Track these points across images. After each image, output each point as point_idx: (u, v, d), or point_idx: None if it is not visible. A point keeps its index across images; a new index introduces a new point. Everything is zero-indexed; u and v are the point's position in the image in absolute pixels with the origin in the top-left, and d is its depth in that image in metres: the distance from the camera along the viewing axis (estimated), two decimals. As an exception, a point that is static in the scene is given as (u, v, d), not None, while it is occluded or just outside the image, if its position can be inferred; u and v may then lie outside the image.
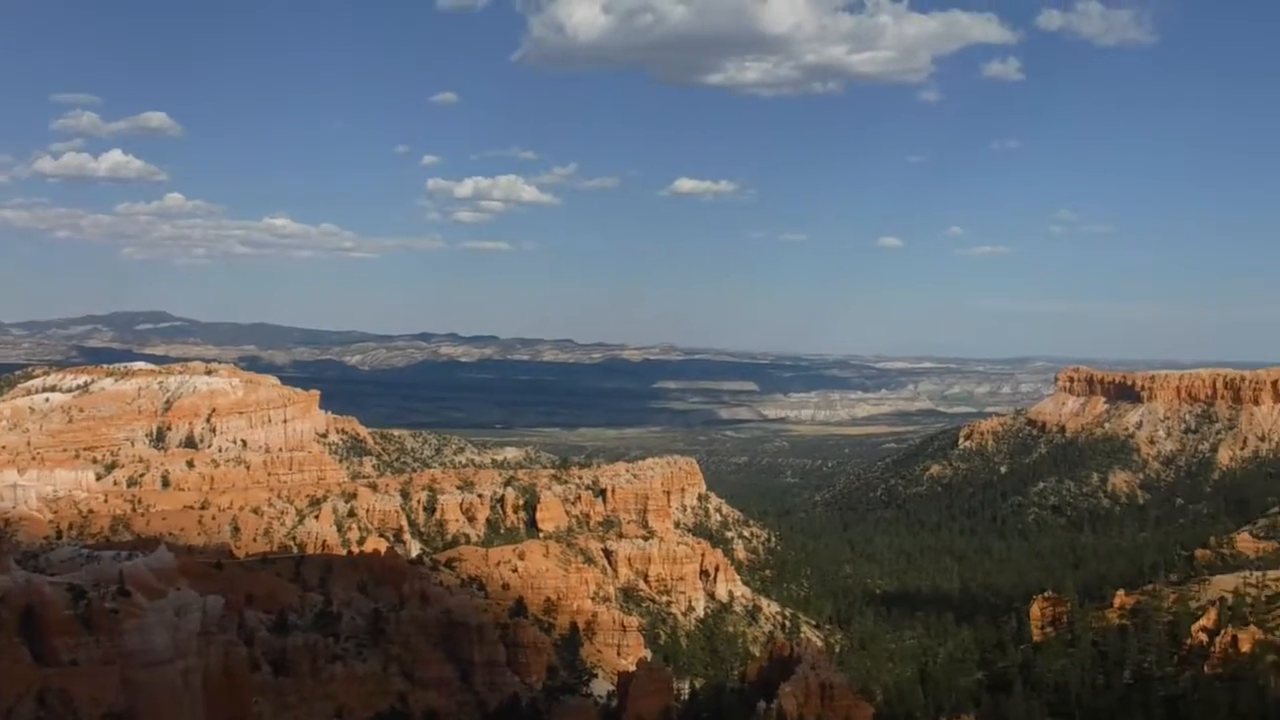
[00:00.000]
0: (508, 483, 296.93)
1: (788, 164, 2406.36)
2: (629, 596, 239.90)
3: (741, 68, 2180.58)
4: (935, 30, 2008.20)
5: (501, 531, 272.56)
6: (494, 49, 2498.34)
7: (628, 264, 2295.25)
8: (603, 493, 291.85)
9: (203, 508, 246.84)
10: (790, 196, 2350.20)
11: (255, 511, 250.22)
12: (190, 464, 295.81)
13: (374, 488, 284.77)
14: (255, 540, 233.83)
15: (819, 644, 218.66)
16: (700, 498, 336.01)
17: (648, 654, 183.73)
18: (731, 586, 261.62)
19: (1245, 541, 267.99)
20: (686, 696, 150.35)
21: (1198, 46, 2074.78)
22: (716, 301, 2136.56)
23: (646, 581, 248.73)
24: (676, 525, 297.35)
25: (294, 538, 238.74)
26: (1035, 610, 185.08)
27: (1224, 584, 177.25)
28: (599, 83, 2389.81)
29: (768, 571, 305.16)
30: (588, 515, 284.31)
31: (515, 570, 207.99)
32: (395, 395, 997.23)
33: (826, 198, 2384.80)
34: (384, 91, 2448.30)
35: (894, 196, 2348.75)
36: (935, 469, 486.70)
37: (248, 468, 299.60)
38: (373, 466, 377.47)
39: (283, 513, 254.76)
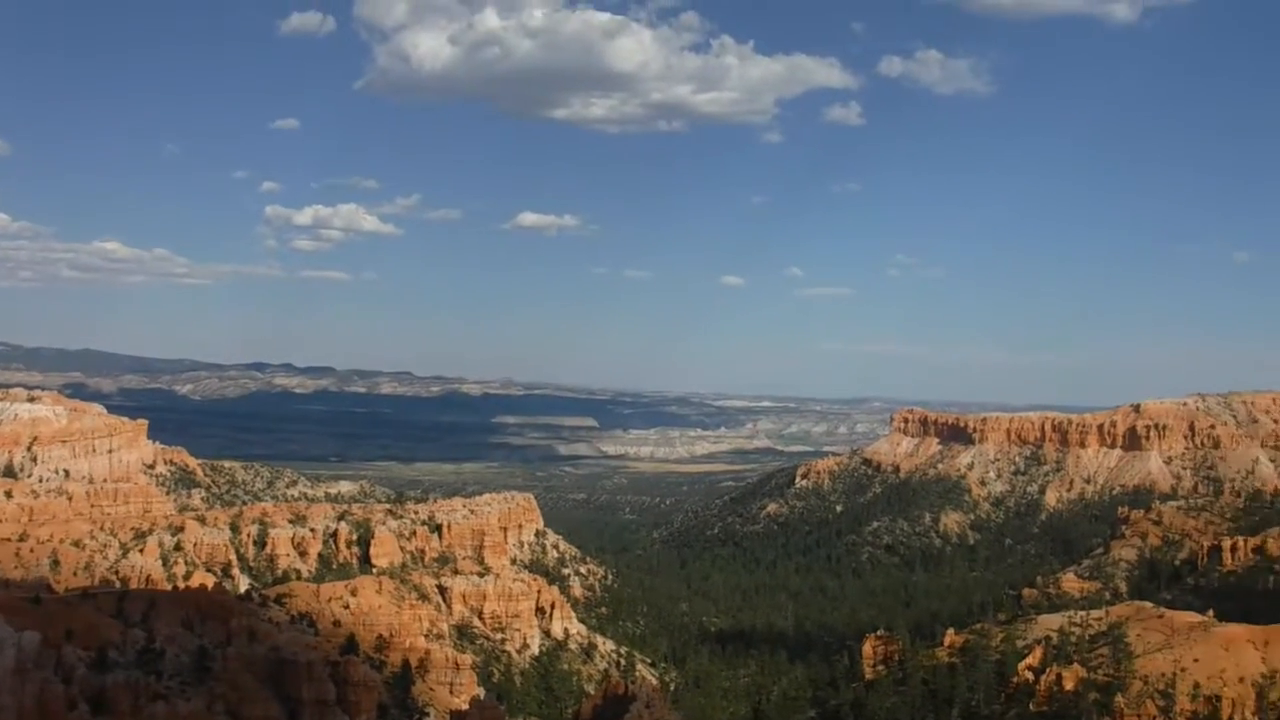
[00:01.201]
0: (341, 517, 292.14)
1: (632, 200, 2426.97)
2: (463, 634, 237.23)
3: (587, 103, 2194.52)
4: (779, 73, 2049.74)
5: (334, 567, 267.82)
6: (338, 76, 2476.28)
7: (469, 297, 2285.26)
8: (438, 528, 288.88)
9: (21, 540, 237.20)
10: (634, 233, 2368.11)
11: (76, 544, 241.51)
12: (8, 494, 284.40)
13: (202, 521, 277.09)
14: (76, 574, 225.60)
15: (654, 682, 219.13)
16: (538, 534, 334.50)
17: (481, 692, 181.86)
18: (567, 624, 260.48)
19: (1070, 581, 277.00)
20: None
21: (1032, 99, 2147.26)
22: (558, 336, 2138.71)
23: (481, 619, 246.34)
24: (513, 562, 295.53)
25: (117, 572, 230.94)
26: (867, 648, 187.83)
27: (1049, 623, 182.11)
28: (444, 114, 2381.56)
29: (604, 609, 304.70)
30: (423, 551, 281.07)
31: (347, 607, 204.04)
32: (227, 426, 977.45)
33: (669, 235, 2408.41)
34: (223, 115, 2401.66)
35: (736, 236, 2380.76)
36: (772, 507, 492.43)
37: (70, 499, 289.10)
38: (201, 499, 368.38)
39: (105, 546, 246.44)
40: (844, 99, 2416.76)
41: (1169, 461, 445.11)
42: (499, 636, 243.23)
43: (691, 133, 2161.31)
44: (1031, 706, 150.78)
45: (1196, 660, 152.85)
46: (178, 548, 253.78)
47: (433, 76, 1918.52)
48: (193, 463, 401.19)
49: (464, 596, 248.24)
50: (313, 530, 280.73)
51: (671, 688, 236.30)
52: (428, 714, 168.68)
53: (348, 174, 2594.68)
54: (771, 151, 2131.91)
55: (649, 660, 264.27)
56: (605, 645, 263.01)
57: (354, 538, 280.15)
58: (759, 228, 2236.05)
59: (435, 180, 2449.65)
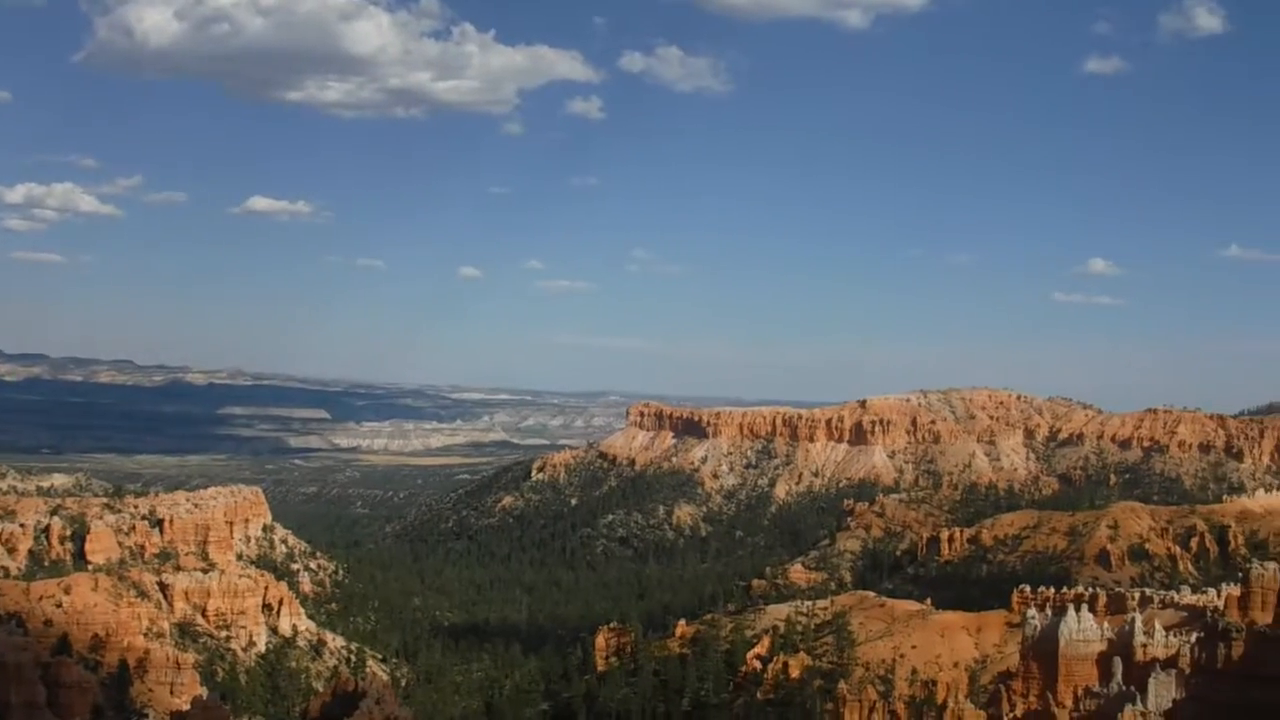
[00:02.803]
0: (54, 511, 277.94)
1: (367, 188, 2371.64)
2: (185, 632, 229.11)
3: (323, 86, 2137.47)
4: (521, 63, 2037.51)
5: (46, 564, 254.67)
6: (54, 47, 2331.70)
7: (195, 282, 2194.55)
8: (160, 523, 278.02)
9: None
10: (369, 221, 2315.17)
11: None
12: None
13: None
14: None
15: (385, 678, 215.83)
16: (265, 529, 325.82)
17: (204, 692, 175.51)
18: (296, 620, 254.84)
19: (798, 572, 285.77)
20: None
21: (768, 100, 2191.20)
22: (289, 325, 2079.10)
23: (205, 616, 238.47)
24: (239, 557, 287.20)
25: None
26: (600, 640, 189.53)
27: (777, 613, 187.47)
28: (170, 91, 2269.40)
29: (334, 605, 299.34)
30: (143, 547, 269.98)
31: (60, 605, 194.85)
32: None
33: (406, 224, 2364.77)
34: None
35: (475, 227, 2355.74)
36: (507, 500, 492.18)
37: None
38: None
39: None
40: (585, 92, 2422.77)
41: (893, 455, 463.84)
42: (224, 634, 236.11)
43: (430, 120, 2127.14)
44: (759, 695, 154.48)
45: (915, 646, 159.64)
46: None
47: (158, 52, 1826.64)
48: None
49: (186, 593, 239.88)
50: (22, 526, 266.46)
51: (403, 683, 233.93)
52: (146, 715, 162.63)
53: (64, 151, 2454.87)
54: (512, 142, 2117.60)
55: (380, 656, 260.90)
56: (335, 641, 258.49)
57: (68, 533, 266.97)
58: (498, 219, 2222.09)
59: (159, 161, 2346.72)
